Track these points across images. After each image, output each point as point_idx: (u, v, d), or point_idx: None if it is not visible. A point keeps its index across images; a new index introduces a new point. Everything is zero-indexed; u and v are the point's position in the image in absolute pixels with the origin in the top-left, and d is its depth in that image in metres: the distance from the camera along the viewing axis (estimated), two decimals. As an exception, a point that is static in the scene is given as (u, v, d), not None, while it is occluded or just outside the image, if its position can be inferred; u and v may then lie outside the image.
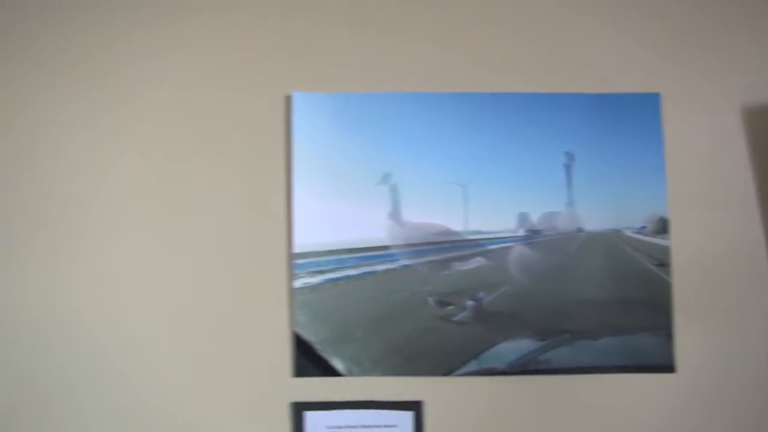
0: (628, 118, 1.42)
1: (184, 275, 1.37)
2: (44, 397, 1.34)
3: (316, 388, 1.35)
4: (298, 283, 1.36)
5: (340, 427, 1.33)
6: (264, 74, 1.42)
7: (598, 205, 1.40)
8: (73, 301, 1.36)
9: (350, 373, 1.35)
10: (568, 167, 1.41)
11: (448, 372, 1.35)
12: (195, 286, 1.37)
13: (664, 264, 1.39)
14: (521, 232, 1.39)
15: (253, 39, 1.43)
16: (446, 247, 1.39)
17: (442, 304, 1.37)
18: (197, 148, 1.40)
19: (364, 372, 1.35)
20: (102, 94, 1.40)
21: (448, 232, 1.39)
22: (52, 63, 1.40)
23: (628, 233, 1.39)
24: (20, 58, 1.40)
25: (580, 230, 1.40)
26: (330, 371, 1.35)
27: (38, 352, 1.35)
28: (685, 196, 1.40)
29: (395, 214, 1.39)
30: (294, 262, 1.37)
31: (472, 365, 1.36)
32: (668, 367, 1.36)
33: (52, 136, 1.39)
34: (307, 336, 1.36)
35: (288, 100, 1.41)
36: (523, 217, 1.40)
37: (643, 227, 1.39)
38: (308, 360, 1.35)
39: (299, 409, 1.34)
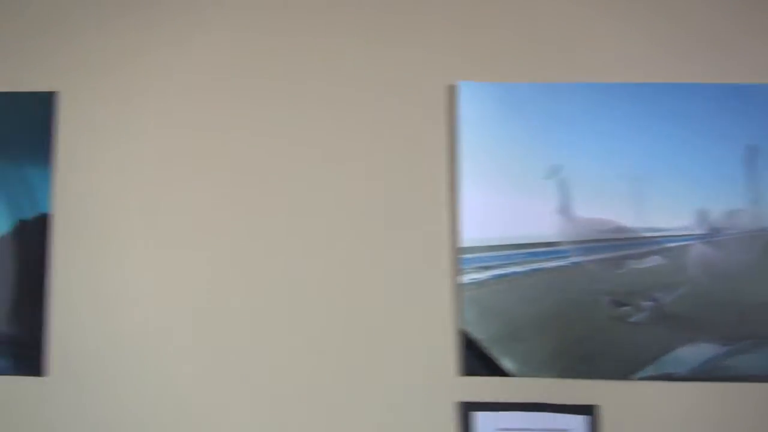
0: (817, 111, 1.32)
1: (352, 271, 1.34)
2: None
3: (482, 387, 1.30)
4: (465, 279, 1.32)
5: (510, 430, 1.28)
6: (426, 64, 1.38)
7: (786, 202, 1.31)
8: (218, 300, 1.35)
9: (520, 374, 1.30)
10: (750, 162, 1.32)
11: (623, 376, 1.28)
12: (360, 281, 1.34)
13: None
14: (700, 230, 1.31)
15: (415, 27, 1.39)
16: (619, 244, 1.32)
17: (618, 304, 1.30)
18: (358, 140, 1.37)
19: (535, 373, 1.30)
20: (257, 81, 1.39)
21: (621, 229, 1.32)
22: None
23: (819, 233, 1.30)
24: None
25: (765, 229, 1.31)
26: (497, 371, 1.30)
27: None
28: None
29: (565, 209, 1.33)
30: (461, 257, 1.32)
31: (649, 369, 1.28)
32: None
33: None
34: (474, 333, 1.31)
35: (451, 90, 1.37)
36: (702, 214, 1.32)
37: (836, 227, 1.30)
38: (475, 358, 1.30)
39: (466, 409, 1.29)
